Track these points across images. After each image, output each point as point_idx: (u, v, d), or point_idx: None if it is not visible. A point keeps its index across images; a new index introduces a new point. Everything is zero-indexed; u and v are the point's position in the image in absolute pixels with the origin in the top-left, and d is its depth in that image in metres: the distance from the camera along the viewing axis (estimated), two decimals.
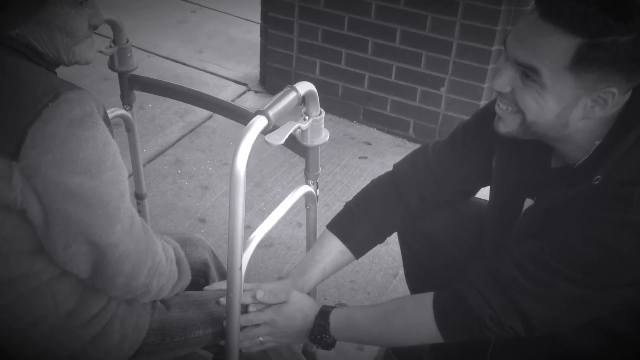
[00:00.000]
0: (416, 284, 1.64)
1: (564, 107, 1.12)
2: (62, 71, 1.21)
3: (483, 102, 2.72)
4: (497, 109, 1.21)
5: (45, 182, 1.04)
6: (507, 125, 1.20)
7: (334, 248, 1.46)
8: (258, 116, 1.15)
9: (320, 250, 1.46)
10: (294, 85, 1.23)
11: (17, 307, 1.18)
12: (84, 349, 1.25)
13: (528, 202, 1.32)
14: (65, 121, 1.03)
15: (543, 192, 1.25)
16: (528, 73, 1.11)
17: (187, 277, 1.36)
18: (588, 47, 1.05)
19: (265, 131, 1.17)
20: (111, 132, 1.14)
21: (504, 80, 1.15)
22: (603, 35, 1.04)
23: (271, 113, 1.15)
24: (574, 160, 1.20)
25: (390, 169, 1.54)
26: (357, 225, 1.47)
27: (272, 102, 1.18)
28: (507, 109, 1.18)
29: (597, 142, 1.16)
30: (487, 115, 1.34)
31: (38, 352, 1.23)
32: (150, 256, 1.19)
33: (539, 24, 1.08)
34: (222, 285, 1.43)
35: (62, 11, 1.12)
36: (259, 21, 3.19)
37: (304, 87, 1.25)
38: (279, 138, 1.17)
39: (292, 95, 1.22)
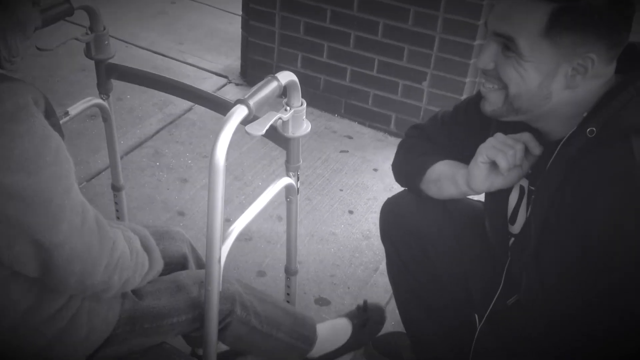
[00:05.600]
0: (398, 279, 1.63)
1: (545, 75, 1.13)
2: (37, 62, 1.18)
3: (465, 97, 2.71)
4: (482, 89, 1.23)
5: None
6: (492, 103, 1.21)
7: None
8: (238, 105, 1.13)
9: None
10: (275, 75, 1.21)
11: None
12: (49, 345, 1.21)
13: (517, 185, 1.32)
14: None
15: (536, 167, 1.25)
16: (507, 44, 1.13)
17: (159, 266, 1.33)
18: (560, 12, 1.07)
19: (246, 121, 1.15)
20: (57, 124, 1.09)
21: (487, 56, 1.17)
22: None
23: (252, 102, 1.13)
24: (560, 137, 1.20)
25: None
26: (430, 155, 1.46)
27: (252, 91, 1.16)
28: (491, 87, 1.19)
29: (585, 114, 1.16)
30: None
31: (2, 349, 1.19)
32: (105, 253, 1.14)
33: None
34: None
35: (24, 3, 1.08)
36: (240, 13, 3.15)
37: (286, 76, 1.23)
38: (259, 128, 1.15)
39: (273, 85, 1.20)
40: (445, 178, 1.39)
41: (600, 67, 1.12)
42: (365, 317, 1.84)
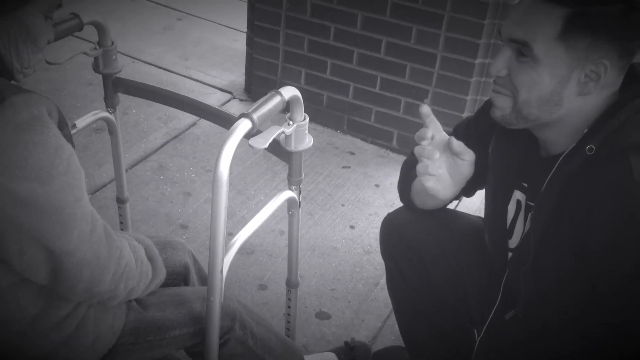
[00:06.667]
0: (397, 293, 1.64)
1: (558, 81, 1.15)
2: (45, 77, 1.20)
3: (466, 114, 2.74)
4: (491, 95, 1.24)
5: None
6: (501, 109, 1.22)
7: None
8: (242, 119, 1.15)
9: None
10: (279, 90, 1.24)
11: None
12: (55, 350, 1.23)
13: (517, 195, 1.34)
14: (11, 126, 1.00)
15: (534, 181, 1.27)
16: (522, 50, 1.15)
17: (162, 275, 1.35)
18: (575, 16, 1.10)
19: (249, 135, 1.17)
20: (69, 135, 1.12)
21: (501, 62, 1.18)
22: (589, 4, 1.09)
23: (255, 116, 1.16)
24: (560, 151, 1.22)
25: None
26: None
27: (256, 105, 1.19)
28: (500, 93, 1.21)
29: (585, 130, 1.18)
30: (485, 107, 1.38)
31: (8, 351, 1.21)
32: (113, 262, 1.16)
33: (530, 2, 1.14)
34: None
35: (36, 16, 1.10)
36: (245, 30, 3.19)
37: (289, 91, 1.26)
38: (262, 142, 1.17)
39: (276, 100, 1.22)
40: (423, 190, 1.41)
41: (612, 75, 1.14)
42: (352, 355, 1.85)
